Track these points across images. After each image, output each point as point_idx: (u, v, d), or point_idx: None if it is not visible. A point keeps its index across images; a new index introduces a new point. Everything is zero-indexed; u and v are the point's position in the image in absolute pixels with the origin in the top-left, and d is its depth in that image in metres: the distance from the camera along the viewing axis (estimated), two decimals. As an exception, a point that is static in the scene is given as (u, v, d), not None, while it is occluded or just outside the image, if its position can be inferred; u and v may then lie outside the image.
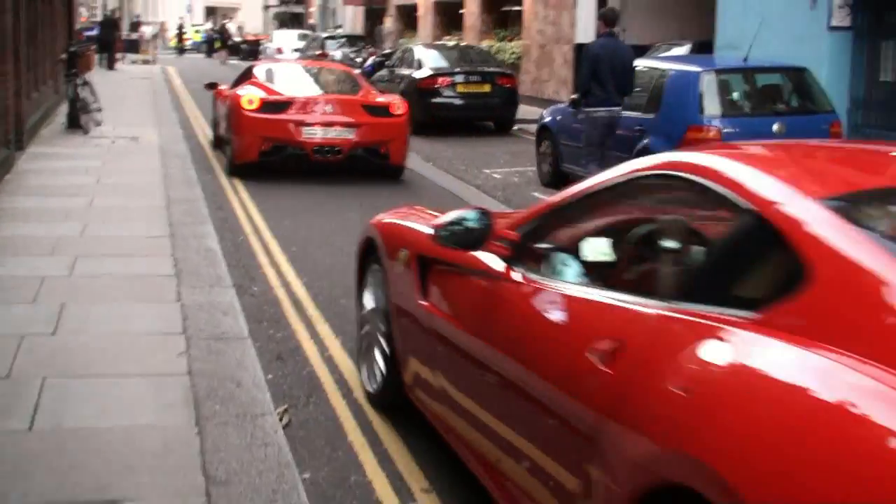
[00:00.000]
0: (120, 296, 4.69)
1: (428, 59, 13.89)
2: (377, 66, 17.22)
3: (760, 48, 8.45)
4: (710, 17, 12.25)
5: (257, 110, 9.09)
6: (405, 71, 14.13)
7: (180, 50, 38.34)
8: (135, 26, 36.96)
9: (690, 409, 1.45)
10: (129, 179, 8.29)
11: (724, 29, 11.45)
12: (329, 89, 9.62)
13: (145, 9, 60.79)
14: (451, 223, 2.61)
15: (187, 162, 9.49)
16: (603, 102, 7.96)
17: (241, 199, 8.42)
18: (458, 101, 13.42)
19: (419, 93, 13.13)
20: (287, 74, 10.07)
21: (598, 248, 2.25)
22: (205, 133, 12.65)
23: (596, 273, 2.24)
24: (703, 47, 12.23)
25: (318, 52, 21.72)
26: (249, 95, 9.16)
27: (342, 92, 9.47)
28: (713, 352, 1.53)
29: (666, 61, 8.47)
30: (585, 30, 15.89)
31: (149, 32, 35.28)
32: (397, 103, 9.28)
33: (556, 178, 9.03)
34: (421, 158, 10.68)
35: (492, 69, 13.73)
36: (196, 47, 39.12)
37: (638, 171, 2.20)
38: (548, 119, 9.45)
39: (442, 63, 13.77)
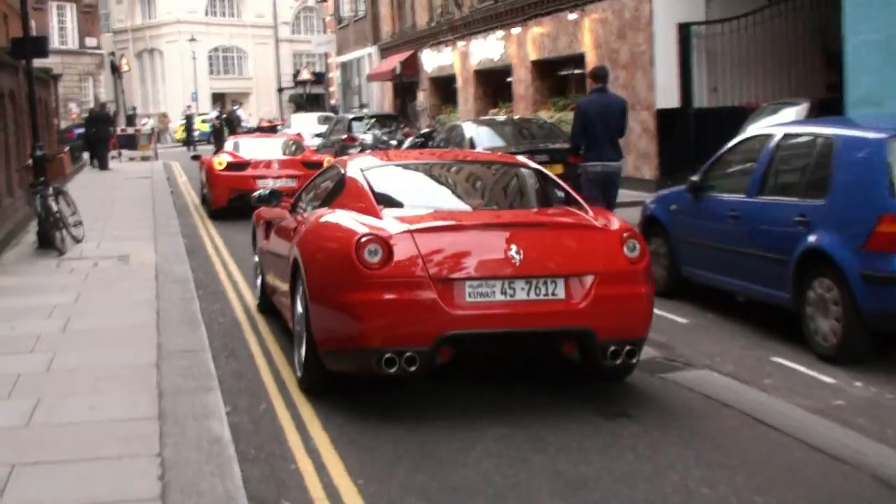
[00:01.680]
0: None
1: (481, 138, 13.35)
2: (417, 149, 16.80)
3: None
4: (819, 71, 11.98)
5: (225, 169, 14.68)
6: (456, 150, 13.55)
7: (188, 143, 38.88)
8: (131, 119, 37.01)
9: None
10: (108, 322, 7.14)
11: (856, 82, 10.64)
12: (279, 153, 14.69)
13: (144, 100, 62.35)
14: (260, 195, 7.33)
15: (189, 288, 8.47)
16: (598, 158, 9.35)
17: (262, 341, 6.97)
18: (525, 188, 12.63)
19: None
20: (249, 144, 15.78)
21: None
22: (216, 246, 11.88)
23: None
24: (827, 105, 11.38)
25: (343, 137, 21.54)
26: (219, 159, 14.94)
27: (288, 154, 14.19)
28: None
29: (821, 125, 7.00)
30: (667, 92, 15.59)
31: (148, 125, 35.30)
32: (328, 157, 12.86)
33: (676, 286, 8.15)
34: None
35: (561, 145, 12.75)
36: (206, 138, 39.53)
37: None
38: (656, 209, 8.47)
39: (498, 142, 13.16)
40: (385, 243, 5.11)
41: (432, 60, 28.37)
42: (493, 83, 24.00)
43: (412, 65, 29.68)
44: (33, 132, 11.01)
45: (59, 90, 49.63)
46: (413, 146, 17.26)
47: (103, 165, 25.48)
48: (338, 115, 34.20)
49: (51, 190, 10.78)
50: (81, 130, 34.28)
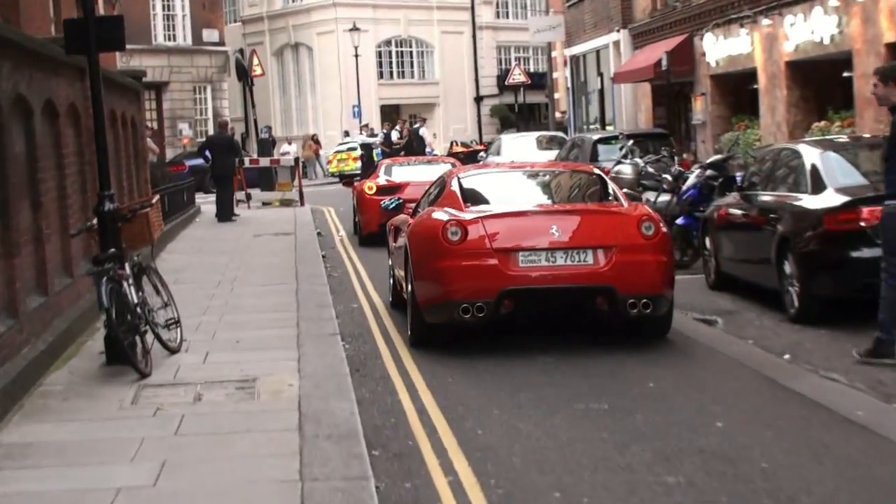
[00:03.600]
0: None
1: (833, 171, 12.74)
2: (710, 190, 16.77)
3: None
4: None
5: (375, 194, 21.36)
6: (782, 195, 13.34)
7: (345, 177, 40.40)
8: (265, 145, 37.68)
9: None
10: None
11: None
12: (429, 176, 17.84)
13: (285, 117, 64.19)
14: (388, 204, 15.21)
15: (358, 450, 7.48)
16: None
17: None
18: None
19: (825, 242, 12.07)
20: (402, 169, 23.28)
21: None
22: (397, 357, 11.64)
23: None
24: None
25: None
26: (369, 183, 22.34)
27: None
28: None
29: None
30: None
31: (290, 154, 36.12)
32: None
33: None
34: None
35: None
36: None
37: None
38: None
39: (859, 178, 12.61)
40: (462, 226, 11.31)
41: (717, 49, 28.32)
42: (819, 81, 24.56)
43: (684, 56, 29.73)
44: (100, 172, 10.22)
45: (163, 104, 52.84)
46: (698, 186, 17.13)
47: (224, 215, 26.22)
48: (572, 134, 34.01)
49: (127, 268, 10.33)
50: (196, 162, 35.27)
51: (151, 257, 12.24)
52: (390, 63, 63.53)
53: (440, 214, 11.77)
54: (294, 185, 32.58)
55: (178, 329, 11.10)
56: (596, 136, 25.41)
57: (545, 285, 11.01)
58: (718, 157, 18.88)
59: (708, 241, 14.93)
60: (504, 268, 11.00)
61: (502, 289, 10.95)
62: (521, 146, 31.41)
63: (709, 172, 17.15)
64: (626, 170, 20.32)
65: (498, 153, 31.69)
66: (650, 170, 19.92)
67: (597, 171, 13.29)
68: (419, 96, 63.40)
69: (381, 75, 62.78)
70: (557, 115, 44.76)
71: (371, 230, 20.64)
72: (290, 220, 26.24)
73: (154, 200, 11.50)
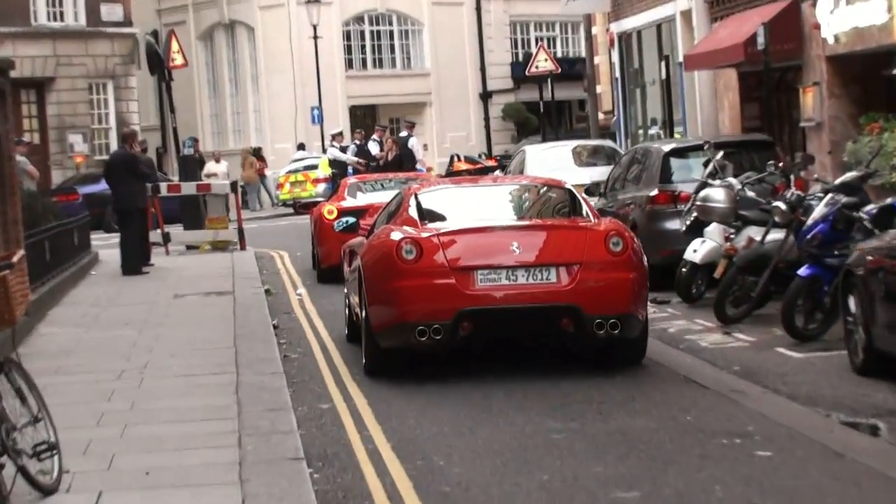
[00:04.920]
0: None
1: None
2: (847, 225, 16.80)
3: None
4: None
5: (337, 218, 23.50)
6: None
7: (300, 206, 41.64)
8: (189, 164, 36.97)
9: None
10: None
11: None
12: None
13: (218, 125, 64.50)
14: (344, 224, 21.14)
15: None
16: None
17: None
18: None
19: None
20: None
21: None
22: None
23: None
24: None
25: (653, 193, 23.18)
26: (330, 206, 25.39)
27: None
28: None
29: None
30: None
31: (219, 175, 38.35)
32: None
33: None
34: None
35: None
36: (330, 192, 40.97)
37: None
38: None
39: None
40: (417, 244, 14.54)
41: (837, 19, 27.69)
42: None
43: (787, 30, 29.23)
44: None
45: (46, 108, 52.62)
46: (834, 219, 17.03)
47: (131, 265, 26.14)
48: (622, 142, 35.49)
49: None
50: (95, 189, 34.70)
51: (12, 344, 11.76)
52: (363, 47, 64.19)
53: (395, 233, 14.94)
54: (231, 220, 32.89)
55: (56, 457, 10.51)
56: (668, 147, 25.09)
57: (505, 305, 14.20)
58: (853, 174, 18.70)
59: (852, 303, 14.51)
60: (462, 287, 14.16)
61: (460, 309, 14.04)
62: (554, 161, 31.25)
63: (844, 199, 16.93)
64: (718, 195, 19.99)
65: (521, 172, 31.50)
66: (751, 194, 19.94)
67: (568, 185, 16.83)
68: (403, 93, 64.01)
69: (349, 64, 63.45)
70: (601, 116, 44.99)
71: (332, 263, 22.52)
72: (227, 271, 26.40)
73: (16, 258, 10.64)
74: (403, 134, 45.09)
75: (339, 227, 19.06)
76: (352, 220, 18.90)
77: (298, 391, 15.01)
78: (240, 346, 17.21)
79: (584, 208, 15.75)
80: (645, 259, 15.24)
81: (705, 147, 23.23)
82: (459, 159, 48.71)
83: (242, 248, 30.99)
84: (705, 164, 22.02)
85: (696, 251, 19.40)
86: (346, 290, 17.84)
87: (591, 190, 24.59)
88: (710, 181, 20.91)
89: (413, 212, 15.67)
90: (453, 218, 15.62)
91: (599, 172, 28.14)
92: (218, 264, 28.05)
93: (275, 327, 19.14)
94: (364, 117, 60.44)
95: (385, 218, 16.68)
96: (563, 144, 35.46)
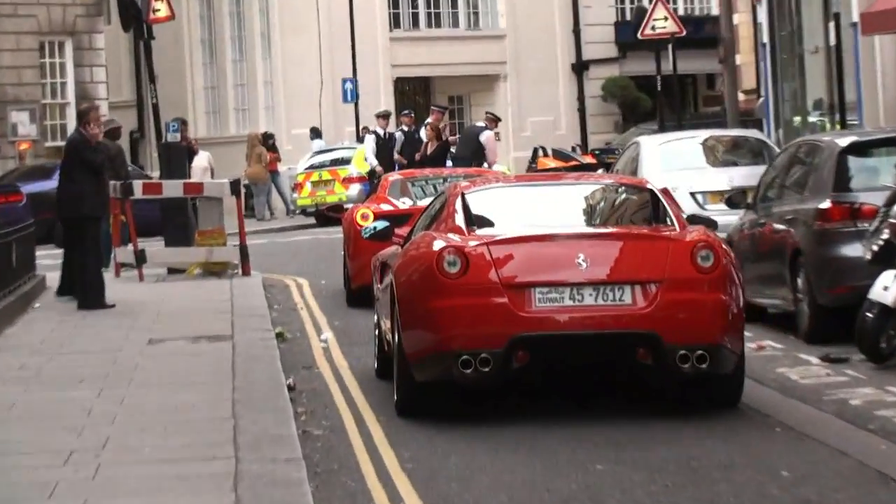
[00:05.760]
0: None
1: None
2: None
3: None
4: None
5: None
6: None
7: (326, 212, 42.74)
8: (174, 155, 36.59)
9: None
10: None
11: None
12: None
13: (215, 100, 64.97)
14: (373, 231, 20.87)
15: None
16: None
17: None
18: None
19: None
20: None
21: None
22: None
23: None
24: None
25: (825, 205, 22.73)
26: (364, 209, 28.32)
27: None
28: None
29: None
30: None
31: (206, 165, 40.10)
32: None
33: None
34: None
35: None
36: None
37: None
38: None
39: None
40: (463, 254, 15.66)
41: None
42: None
43: None
44: None
45: None
46: None
47: (90, 295, 26.33)
48: (769, 130, 36.83)
49: None
50: (44, 186, 35.12)
51: None
52: (413, 1, 64.80)
53: (436, 242, 16.09)
54: (231, 234, 33.32)
55: None
56: (844, 141, 24.63)
57: (569, 331, 15.27)
58: None
59: None
60: (516, 308, 15.18)
61: (514, 335, 15.07)
62: (679, 159, 31.74)
63: None
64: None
65: (634, 173, 31.03)
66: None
67: (649, 185, 18.17)
68: (467, 62, 64.54)
69: (395, 22, 64.34)
70: (741, 96, 45.13)
71: (366, 282, 23.10)
72: (224, 306, 26.59)
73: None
74: (480, 125, 44.76)
75: (366, 233, 20.15)
76: (384, 224, 19.84)
77: (324, 487, 14.56)
78: (240, 417, 16.67)
79: (670, 214, 16.82)
80: (740, 277, 16.28)
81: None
82: (545, 154, 48.74)
83: (246, 272, 31.16)
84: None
85: (888, 289, 18.96)
86: (375, 313, 19.33)
87: (734, 200, 24.94)
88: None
89: (459, 216, 16.74)
90: (507, 224, 16.83)
91: (743, 175, 28.55)
92: (211, 296, 28.28)
93: (290, 389, 18.73)
94: (414, 94, 60.38)
95: (425, 223, 17.96)
96: (692, 136, 35.46)
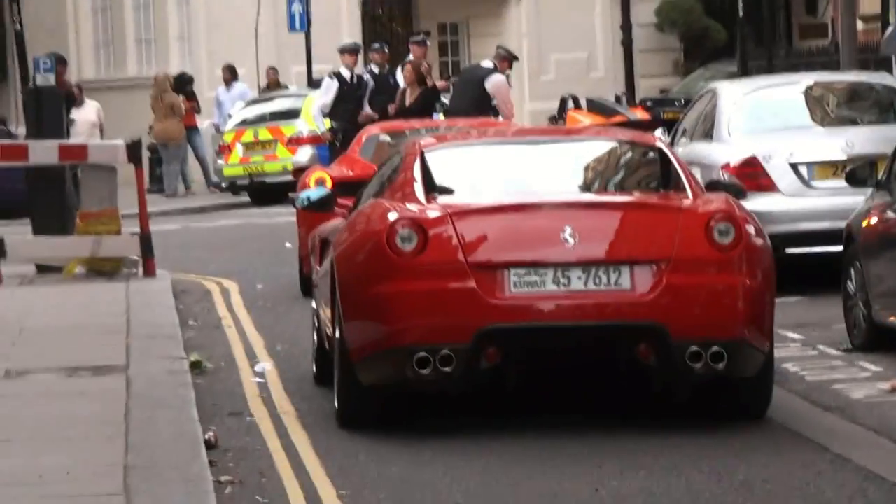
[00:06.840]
0: None
1: None
2: None
3: None
4: None
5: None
6: None
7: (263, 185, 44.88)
8: (49, 104, 36.61)
9: None
10: None
11: None
12: None
13: (107, 31, 66.68)
14: (310, 198, 23.58)
15: None
16: None
17: None
18: None
19: None
20: None
21: None
22: None
23: None
24: None
25: None
26: (320, 173, 34.40)
27: None
28: None
29: None
30: None
31: (93, 121, 42.14)
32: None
33: None
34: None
35: None
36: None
37: None
38: None
39: None
40: (420, 227, 17.14)
41: None
42: None
43: None
44: None
45: None
46: None
47: None
48: None
49: None
50: None
51: None
52: None
53: (388, 212, 17.03)
54: (128, 217, 33.39)
55: None
56: None
57: (551, 322, 16.27)
58: None
59: None
60: (486, 294, 16.18)
61: (482, 327, 16.00)
62: (773, 114, 32.20)
63: None
64: None
65: (708, 135, 31.57)
66: None
67: (658, 142, 19.63)
68: None
69: None
70: (859, 25, 45.30)
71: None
72: (114, 322, 27.38)
73: None
74: (487, 65, 44.70)
75: (301, 203, 21.13)
76: (323, 191, 20.55)
77: None
78: (135, 494, 15.71)
79: (682, 178, 17.75)
80: (771, 259, 17.14)
81: None
82: (577, 106, 49.05)
83: (149, 272, 31.68)
84: None
85: None
86: (314, 302, 21.00)
87: (858, 174, 24.71)
88: None
89: (417, 180, 17.76)
90: (477, 190, 17.84)
91: (867, 138, 28.74)
92: (98, 307, 29.23)
93: (209, 446, 18.28)
94: (389, 20, 60.89)
95: (375, 189, 19.17)
96: (791, 81, 36.08)
